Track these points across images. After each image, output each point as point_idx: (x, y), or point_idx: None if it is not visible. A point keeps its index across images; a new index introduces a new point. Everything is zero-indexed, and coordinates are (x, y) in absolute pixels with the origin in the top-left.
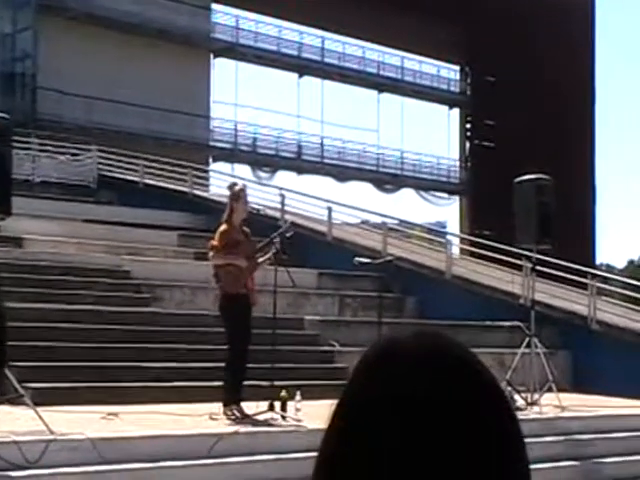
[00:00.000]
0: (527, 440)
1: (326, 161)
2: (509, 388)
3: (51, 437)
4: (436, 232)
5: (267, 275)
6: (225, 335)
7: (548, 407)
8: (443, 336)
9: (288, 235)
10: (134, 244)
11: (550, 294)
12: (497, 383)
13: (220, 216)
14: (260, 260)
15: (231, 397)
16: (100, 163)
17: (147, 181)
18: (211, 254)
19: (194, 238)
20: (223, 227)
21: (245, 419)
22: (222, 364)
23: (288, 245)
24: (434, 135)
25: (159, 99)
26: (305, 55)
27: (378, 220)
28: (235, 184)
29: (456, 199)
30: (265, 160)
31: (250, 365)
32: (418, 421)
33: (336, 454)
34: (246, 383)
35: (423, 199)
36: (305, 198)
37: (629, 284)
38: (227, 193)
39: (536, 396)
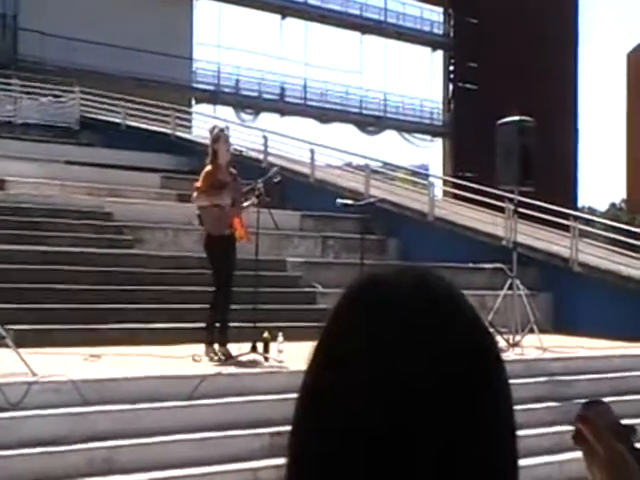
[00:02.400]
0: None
1: (309, 103)
2: (491, 329)
3: (33, 379)
4: (419, 174)
5: (250, 217)
6: (209, 276)
7: (530, 348)
8: (428, 271)
9: (276, 180)
10: (116, 186)
11: (532, 236)
12: (482, 320)
13: (203, 158)
14: (245, 204)
15: (214, 338)
16: (82, 105)
17: (129, 123)
18: (195, 195)
19: (177, 180)
20: (208, 168)
21: (228, 360)
22: (205, 305)
23: (276, 190)
24: (417, 77)
25: (142, 41)
26: None
27: (361, 162)
28: (214, 126)
29: (439, 141)
30: (248, 102)
31: (233, 307)
32: (401, 360)
33: (317, 388)
34: (229, 325)
35: (406, 141)
36: (288, 140)
37: (611, 226)
38: (208, 135)
39: (518, 337)
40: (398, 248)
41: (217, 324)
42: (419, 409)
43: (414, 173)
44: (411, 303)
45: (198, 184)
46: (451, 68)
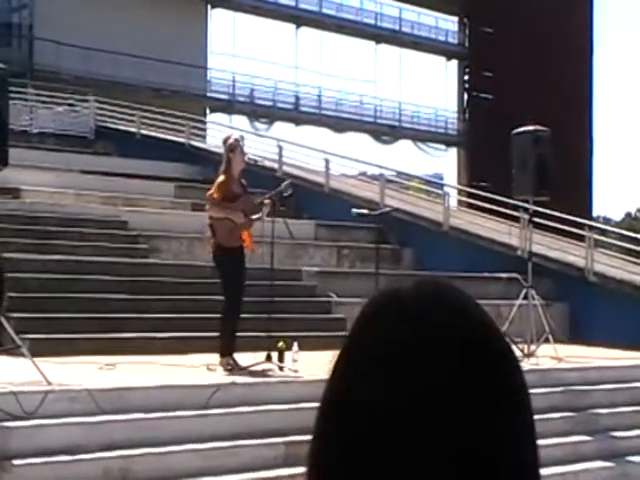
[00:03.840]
0: None
1: (324, 112)
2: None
3: (49, 388)
4: (433, 184)
5: (265, 226)
6: (221, 286)
7: (545, 358)
8: (445, 284)
9: (286, 195)
10: (131, 195)
11: (547, 246)
12: (501, 333)
13: (217, 167)
14: (255, 217)
15: (227, 348)
16: (97, 114)
17: (144, 132)
18: (208, 205)
19: (191, 189)
20: (222, 178)
21: (242, 370)
22: (218, 315)
23: (286, 202)
24: (432, 87)
25: (156, 50)
26: (302, 6)
27: (376, 171)
28: (229, 136)
29: (453, 151)
30: (262, 111)
31: (248, 316)
32: (419, 372)
33: (338, 403)
34: (244, 334)
35: (420, 150)
36: (302, 149)
37: (626, 236)
38: (223, 142)
39: (533, 347)
40: (413, 258)
41: (229, 333)
42: (437, 419)
43: (428, 182)
44: (430, 316)
45: (212, 193)
46: (466, 77)
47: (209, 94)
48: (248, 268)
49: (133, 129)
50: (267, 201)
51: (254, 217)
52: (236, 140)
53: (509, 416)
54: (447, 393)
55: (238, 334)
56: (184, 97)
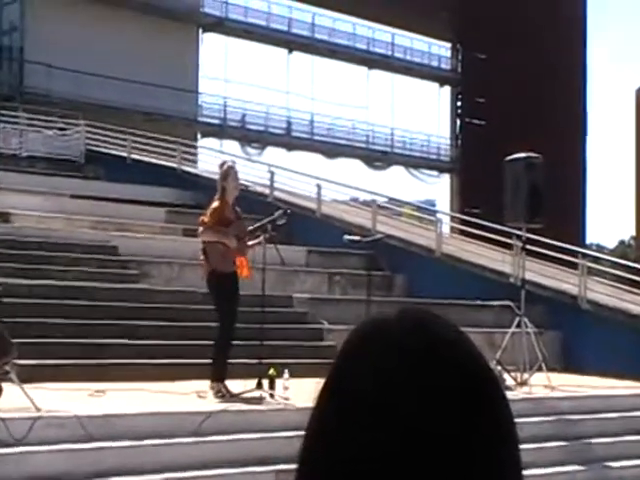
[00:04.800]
0: (516, 420)
1: (316, 138)
2: (499, 368)
3: (38, 414)
4: (426, 210)
5: (256, 252)
6: (214, 312)
7: (538, 387)
8: (428, 313)
9: (280, 223)
10: (122, 220)
11: (540, 273)
12: (485, 362)
13: (209, 192)
14: (250, 243)
15: (219, 374)
16: (88, 138)
17: (135, 156)
18: (201, 229)
19: (182, 214)
20: (216, 204)
21: (233, 397)
22: (210, 342)
23: (279, 230)
24: (424, 112)
25: (148, 74)
26: (295, 31)
27: (368, 197)
28: (224, 162)
29: (446, 177)
30: (254, 136)
31: (238, 343)
32: (403, 402)
33: (322, 431)
34: (235, 361)
35: (413, 177)
36: (294, 175)
37: (619, 264)
38: (216, 170)
39: (526, 376)
40: (405, 284)
41: (221, 360)
42: (422, 451)
43: (421, 209)
44: (411, 345)
45: (205, 219)
46: (459, 103)
47: (200, 119)
48: (242, 294)
49: (124, 153)
50: (268, 227)
51: (251, 243)
52: (230, 167)
53: (494, 447)
54: (431, 424)
55: (229, 361)
56: (175, 121)
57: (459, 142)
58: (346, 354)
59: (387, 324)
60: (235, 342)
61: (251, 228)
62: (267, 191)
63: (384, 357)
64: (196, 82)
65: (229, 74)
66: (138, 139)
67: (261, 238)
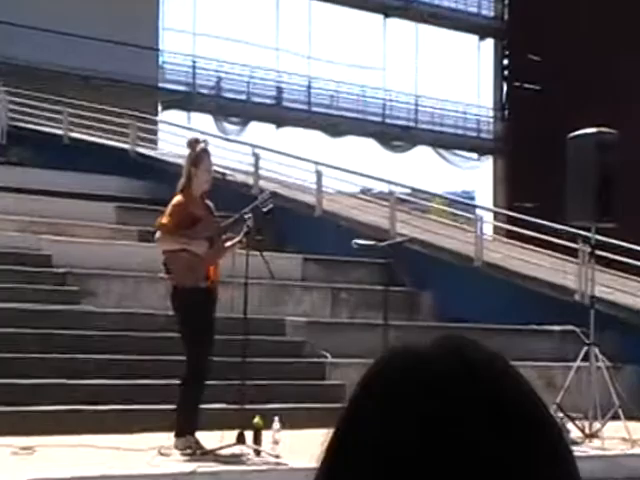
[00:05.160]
0: None
1: (314, 109)
2: (560, 415)
3: None
4: (461, 205)
5: (236, 262)
6: (180, 341)
7: (613, 441)
8: (475, 345)
9: (265, 210)
10: (57, 220)
11: (615, 288)
12: (546, 410)
13: (173, 182)
14: (226, 245)
15: (187, 425)
16: (11, 110)
17: (74, 135)
18: (159, 235)
19: (138, 211)
20: (177, 199)
21: (206, 454)
22: (175, 381)
23: (265, 223)
24: (459, 75)
25: (90, 26)
26: None
27: (384, 188)
28: (197, 140)
29: (488, 161)
30: (233, 108)
31: (214, 382)
32: (437, 459)
33: None
34: (208, 406)
35: (444, 160)
36: (286, 159)
37: None
38: (184, 152)
39: (597, 426)
40: (433, 304)
41: (190, 406)
42: None
43: (454, 203)
44: (452, 385)
45: (163, 220)
46: (505, 62)
47: (161, 84)
48: (216, 317)
49: (59, 131)
50: (249, 216)
51: (227, 244)
52: (203, 150)
53: None
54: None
55: (202, 406)
56: (128, 88)
57: (506, 114)
58: (363, 397)
59: (418, 357)
60: (208, 382)
61: (226, 223)
62: (250, 180)
63: (414, 401)
64: (155, 36)
65: (199, 26)
66: (78, 112)
67: (240, 237)
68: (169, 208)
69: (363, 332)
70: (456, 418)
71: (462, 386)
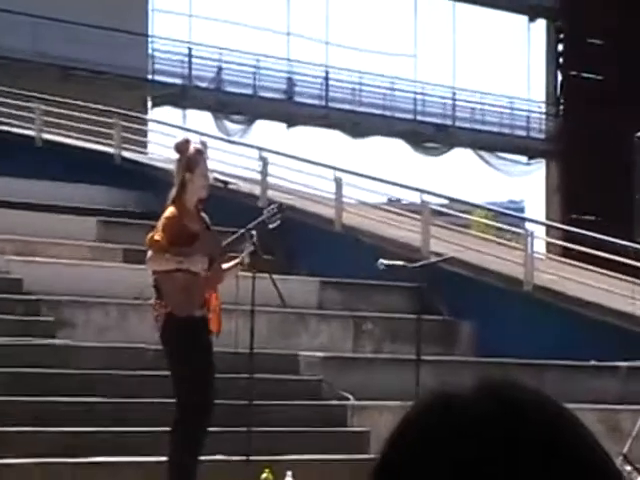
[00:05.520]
0: None
1: (332, 105)
2: (627, 468)
3: None
4: (508, 217)
5: (240, 286)
6: (171, 382)
7: None
8: (519, 384)
9: (272, 226)
10: (27, 237)
11: None
12: (608, 457)
13: (164, 192)
14: (228, 266)
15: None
16: None
17: (48, 136)
18: (150, 254)
19: (124, 227)
20: (170, 210)
21: None
22: (166, 428)
23: (274, 240)
24: (505, 63)
25: (66, 8)
26: None
27: (415, 198)
28: (187, 141)
29: (540, 165)
30: (236, 103)
31: (215, 429)
32: None
33: None
34: (209, 458)
35: (487, 165)
36: (299, 164)
37: None
38: (175, 157)
39: None
40: (474, 335)
41: (186, 458)
42: None
43: (500, 216)
44: (485, 430)
45: (155, 236)
46: (560, 48)
47: (152, 77)
48: (216, 352)
49: (30, 132)
50: (254, 232)
51: (229, 265)
52: (198, 151)
53: None
54: None
55: (200, 457)
56: (112, 81)
57: (560, 109)
58: (397, 448)
59: (458, 401)
60: (209, 428)
61: (228, 240)
62: (257, 190)
63: (456, 455)
64: (144, 19)
65: (196, 7)
66: (54, 109)
67: (244, 256)
68: (161, 222)
69: (391, 369)
70: (490, 459)
71: (500, 428)
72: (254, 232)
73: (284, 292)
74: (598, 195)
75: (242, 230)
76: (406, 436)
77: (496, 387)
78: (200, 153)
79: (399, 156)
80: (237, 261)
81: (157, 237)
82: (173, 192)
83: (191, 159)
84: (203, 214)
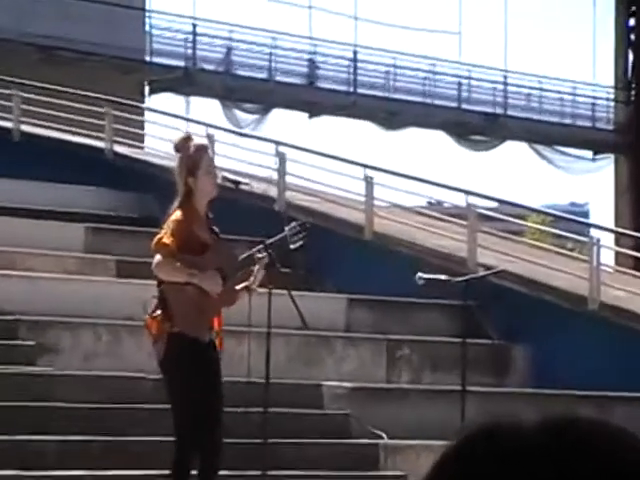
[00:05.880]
0: None
1: (361, 91)
2: None
3: None
4: (570, 222)
5: (254, 304)
6: (171, 416)
7: None
8: (587, 422)
9: (294, 246)
10: (4, 247)
11: None
12: None
13: (165, 194)
14: (241, 287)
15: None
16: None
17: (27, 128)
18: (159, 258)
19: (116, 234)
20: (178, 214)
21: None
22: (164, 471)
23: (298, 257)
24: (566, 42)
25: None
26: None
27: (459, 201)
28: (187, 138)
29: (608, 160)
30: (248, 89)
31: (224, 472)
32: None
33: None
34: None
35: (544, 160)
36: (322, 160)
37: None
38: (175, 155)
39: None
40: (530, 362)
41: None
42: None
43: (560, 221)
44: (536, 465)
45: (165, 239)
46: (631, 22)
47: (150, 58)
48: (225, 382)
49: (7, 123)
50: (260, 255)
51: (242, 285)
52: (201, 147)
53: None
54: None
55: None
56: (103, 63)
57: (632, 94)
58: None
59: (507, 433)
60: (218, 472)
61: (244, 256)
62: (273, 191)
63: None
64: None
65: None
66: (34, 97)
67: (260, 272)
68: (170, 225)
69: (431, 402)
70: None
71: (551, 461)
72: (270, 251)
73: (305, 311)
74: None
75: (259, 247)
76: (445, 472)
77: (551, 418)
78: (203, 150)
79: (440, 151)
80: (247, 283)
81: (166, 240)
82: (180, 196)
83: (192, 159)
84: (214, 227)
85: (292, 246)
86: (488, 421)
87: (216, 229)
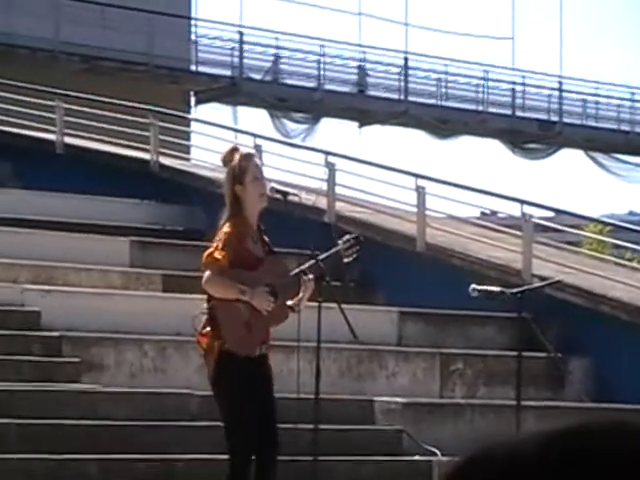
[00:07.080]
0: None
1: (413, 99)
2: None
3: None
4: (629, 232)
5: (303, 318)
6: (223, 432)
7: None
8: (597, 439)
9: (347, 260)
10: (47, 262)
11: None
12: None
13: (213, 208)
14: (290, 304)
15: None
16: None
17: (71, 140)
18: (209, 274)
19: (162, 248)
20: (228, 227)
21: None
22: None
23: (344, 270)
24: (624, 45)
25: None
26: None
27: (515, 211)
28: (233, 150)
29: None
30: (297, 98)
31: None
32: None
33: None
34: None
35: (602, 169)
36: (373, 170)
37: None
38: (222, 167)
39: None
40: (590, 377)
41: None
42: None
43: (619, 230)
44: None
45: (216, 254)
46: None
47: (195, 68)
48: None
49: (50, 135)
50: (310, 276)
51: (291, 302)
52: (247, 155)
53: None
54: None
55: None
56: (147, 73)
57: None
58: None
59: (515, 456)
60: None
61: (296, 272)
62: (323, 203)
63: None
64: (187, 1)
65: None
66: (77, 107)
67: (308, 289)
68: (221, 237)
69: (485, 417)
70: None
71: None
72: (318, 253)
73: (356, 325)
74: None
75: (311, 262)
76: None
77: (566, 433)
78: (249, 157)
79: (494, 160)
80: (300, 297)
81: (217, 255)
82: (227, 208)
83: (239, 167)
84: (265, 237)
85: (346, 260)
86: (486, 444)
87: (268, 240)
